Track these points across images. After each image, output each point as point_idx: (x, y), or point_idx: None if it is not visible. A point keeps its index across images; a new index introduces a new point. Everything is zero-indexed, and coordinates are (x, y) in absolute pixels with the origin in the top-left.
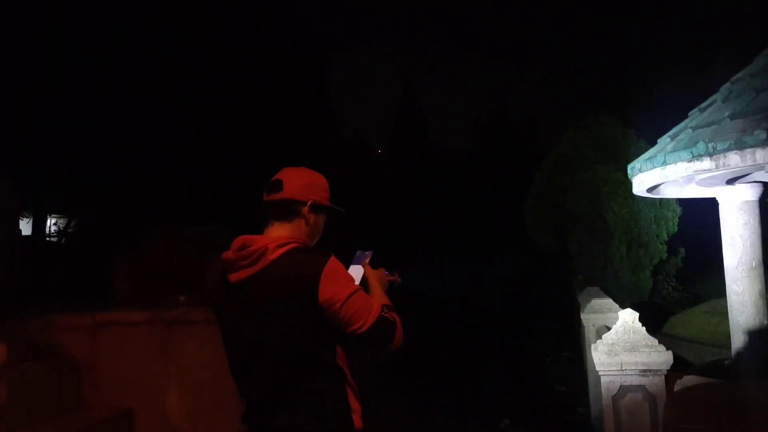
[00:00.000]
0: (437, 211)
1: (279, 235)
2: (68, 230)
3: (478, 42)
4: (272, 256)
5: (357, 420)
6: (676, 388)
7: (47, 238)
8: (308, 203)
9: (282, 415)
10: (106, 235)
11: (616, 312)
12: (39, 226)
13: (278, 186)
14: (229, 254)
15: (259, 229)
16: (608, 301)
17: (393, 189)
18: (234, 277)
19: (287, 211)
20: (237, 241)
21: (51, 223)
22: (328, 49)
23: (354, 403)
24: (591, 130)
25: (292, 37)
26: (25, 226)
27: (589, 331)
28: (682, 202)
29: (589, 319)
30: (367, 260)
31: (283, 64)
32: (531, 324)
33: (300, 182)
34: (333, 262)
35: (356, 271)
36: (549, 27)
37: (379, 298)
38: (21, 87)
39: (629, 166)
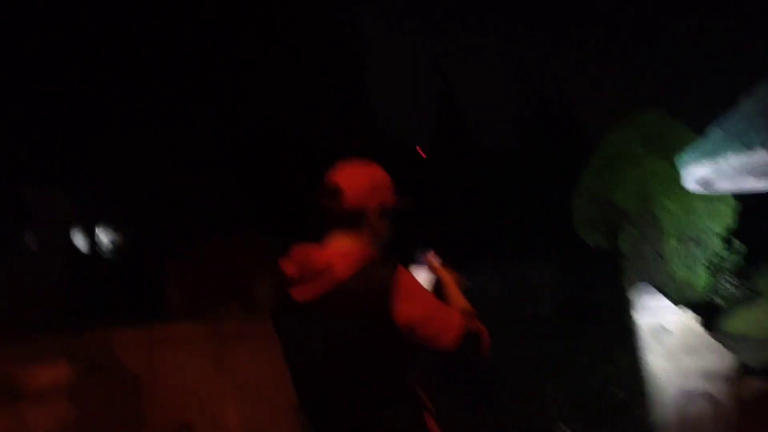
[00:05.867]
0: (479, 209)
1: (342, 246)
2: (118, 241)
3: (522, 33)
4: (339, 273)
5: None
6: (746, 393)
7: (96, 249)
8: (373, 209)
9: None
10: (155, 245)
11: (672, 312)
12: (89, 236)
13: (337, 192)
14: (290, 269)
15: (311, 237)
16: (663, 300)
17: (434, 186)
18: (298, 295)
19: (350, 219)
20: (297, 254)
21: (100, 234)
22: (365, 45)
23: (433, 427)
24: (638, 123)
25: (329, 33)
26: (76, 236)
27: (645, 332)
28: (739, 194)
29: (643, 319)
30: (431, 260)
31: (321, 65)
32: (582, 326)
33: (361, 184)
34: (404, 274)
35: (421, 274)
36: (594, 17)
37: (459, 304)
38: (66, 91)
39: (679, 159)
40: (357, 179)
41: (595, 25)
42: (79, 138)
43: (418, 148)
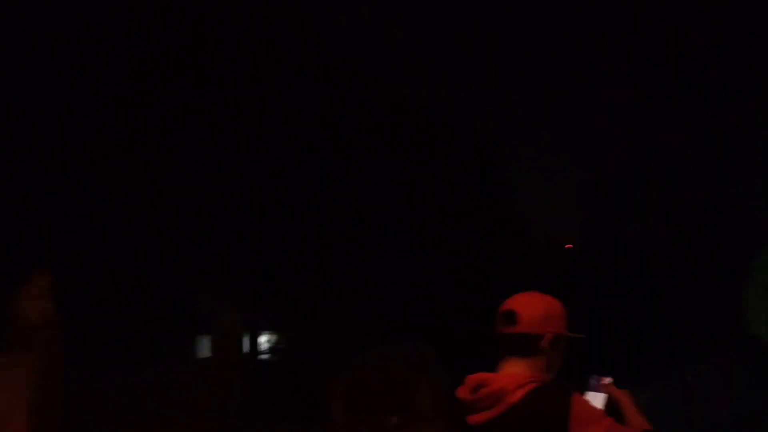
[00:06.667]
0: (637, 310)
1: (516, 372)
2: (279, 347)
3: (669, 119)
4: (512, 399)
5: None
6: None
7: (260, 356)
8: (547, 337)
9: None
10: (314, 351)
11: None
12: (253, 343)
13: (512, 318)
14: (465, 394)
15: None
16: None
17: (588, 285)
18: (473, 419)
19: (524, 346)
20: (471, 380)
21: (264, 341)
22: (507, 150)
23: None
24: None
25: (472, 146)
26: (244, 346)
27: None
28: None
29: None
30: (604, 382)
31: (466, 176)
32: None
33: (537, 313)
34: (578, 400)
35: (596, 399)
36: (745, 105)
37: (638, 424)
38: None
39: None
40: (533, 306)
41: (749, 112)
42: (247, 256)
43: (567, 246)
